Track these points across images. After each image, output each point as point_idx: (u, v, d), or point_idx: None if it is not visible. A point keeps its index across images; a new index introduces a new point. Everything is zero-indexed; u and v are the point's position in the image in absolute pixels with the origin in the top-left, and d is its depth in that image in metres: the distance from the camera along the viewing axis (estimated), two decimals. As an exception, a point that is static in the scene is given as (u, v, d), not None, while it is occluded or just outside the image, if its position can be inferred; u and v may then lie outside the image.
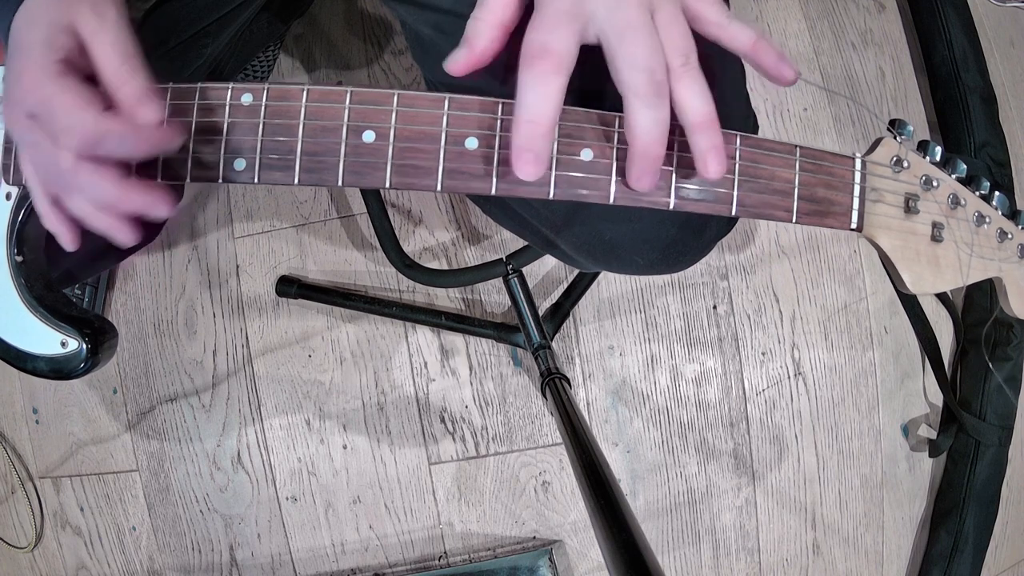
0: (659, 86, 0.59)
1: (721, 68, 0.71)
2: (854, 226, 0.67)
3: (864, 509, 1.67)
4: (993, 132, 1.59)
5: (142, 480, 1.79)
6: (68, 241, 0.72)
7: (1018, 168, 1.63)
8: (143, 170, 0.67)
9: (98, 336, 0.82)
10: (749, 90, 0.90)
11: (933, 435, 1.66)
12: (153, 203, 0.66)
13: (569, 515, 1.69)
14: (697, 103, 0.60)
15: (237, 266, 1.76)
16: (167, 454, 1.78)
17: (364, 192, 1.58)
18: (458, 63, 0.61)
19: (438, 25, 0.83)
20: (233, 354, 1.76)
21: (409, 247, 1.70)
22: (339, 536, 1.74)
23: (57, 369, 0.82)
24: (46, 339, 0.81)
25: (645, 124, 0.59)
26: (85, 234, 0.99)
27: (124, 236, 0.68)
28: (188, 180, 0.68)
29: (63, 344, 0.81)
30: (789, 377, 1.66)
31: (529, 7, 0.61)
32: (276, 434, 1.75)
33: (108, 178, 0.64)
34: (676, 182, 0.65)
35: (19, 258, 0.79)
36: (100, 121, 0.62)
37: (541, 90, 0.58)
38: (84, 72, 0.64)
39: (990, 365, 1.58)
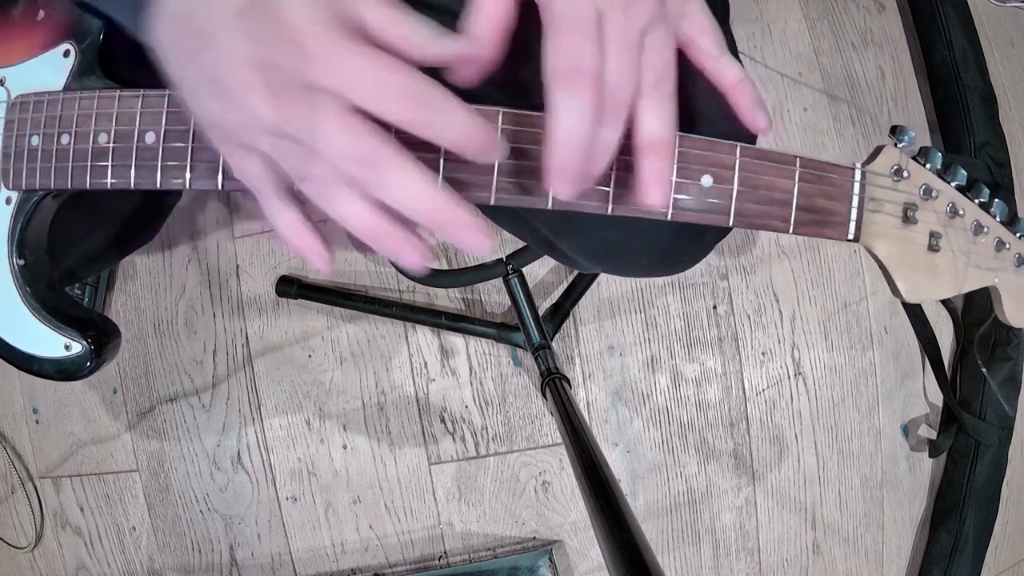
0: (585, 79, 0.55)
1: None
2: (851, 236, 0.67)
3: (864, 509, 1.67)
4: (993, 132, 1.59)
5: (142, 480, 1.79)
6: (326, 259, 0.62)
7: (1018, 168, 1.63)
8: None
9: (102, 337, 0.82)
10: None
11: (933, 435, 1.66)
12: (472, 227, 0.55)
13: (569, 515, 1.70)
14: (653, 124, 0.58)
15: (237, 266, 1.76)
16: (167, 454, 1.78)
17: (364, 192, 1.57)
18: (462, 71, 0.60)
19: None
20: (233, 354, 1.76)
21: (409, 247, 1.70)
22: (339, 536, 1.75)
23: (62, 371, 0.82)
24: (50, 341, 0.81)
25: (563, 125, 0.55)
26: (84, 233, 1.00)
27: (419, 257, 0.57)
28: (188, 187, 0.67)
29: (67, 346, 0.81)
30: (789, 377, 1.67)
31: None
32: (276, 434, 1.75)
33: (435, 180, 0.53)
34: (673, 193, 0.65)
35: (20, 262, 0.79)
36: (446, 93, 0.52)
37: (578, 113, 0.55)
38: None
39: (985, 372, 1.58)
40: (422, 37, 0.53)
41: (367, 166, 0.52)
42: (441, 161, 0.63)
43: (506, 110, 0.63)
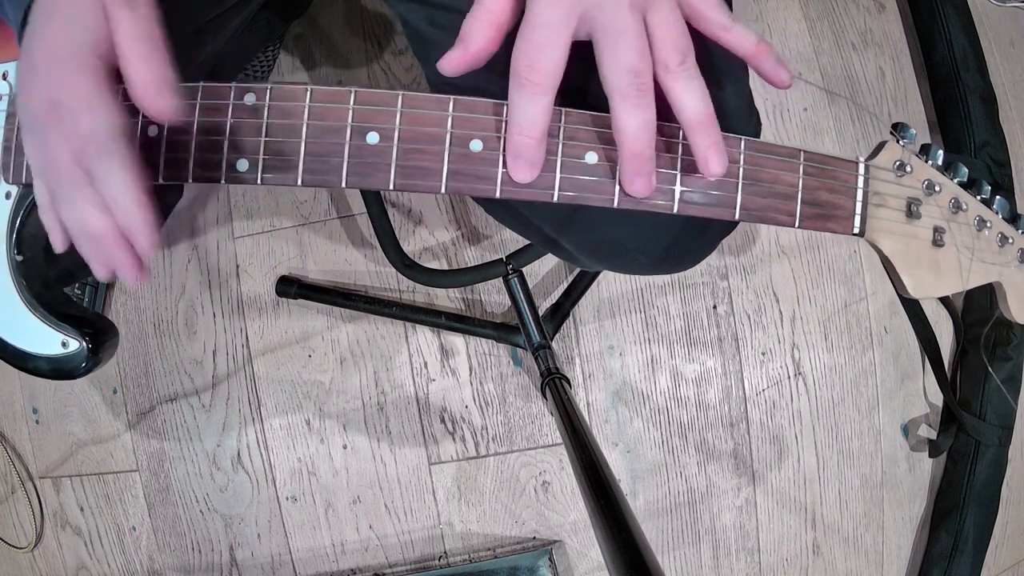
0: (644, 88, 0.59)
1: (724, 69, 0.71)
2: (856, 230, 0.67)
3: (864, 509, 1.67)
4: (993, 132, 1.59)
5: (142, 480, 1.79)
6: (58, 242, 0.69)
7: (1018, 168, 1.63)
8: (145, 169, 0.66)
9: (99, 336, 0.82)
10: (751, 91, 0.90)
11: (933, 435, 1.66)
12: (147, 224, 0.62)
13: (569, 515, 1.70)
14: (694, 102, 0.61)
15: (237, 266, 1.76)
16: (167, 454, 1.78)
17: (364, 192, 1.58)
18: (452, 62, 0.62)
19: (438, 22, 0.82)
20: (233, 354, 1.76)
21: (409, 247, 1.70)
22: (339, 536, 1.74)
23: (58, 369, 0.82)
24: (47, 339, 0.81)
25: (632, 126, 0.60)
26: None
27: (131, 267, 0.65)
28: (190, 181, 0.67)
29: (64, 344, 0.81)
30: (789, 377, 1.67)
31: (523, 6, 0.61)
32: (276, 434, 1.75)
33: (124, 172, 0.61)
34: (679, 186, 0.65)
35: (19, 257, 0.79)
36: (119, 120, 0.61)
37: (529, 107, 0.60)
38: (113, 64, 0.62)
39: (991, 371, 1.58)
40: (143, 77, 0.61)
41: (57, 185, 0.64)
42: (447, 155, 0.63)
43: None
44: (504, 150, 0.64)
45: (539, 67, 0.59)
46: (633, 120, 0.59)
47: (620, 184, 0.63)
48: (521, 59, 0.60)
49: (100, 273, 0.66)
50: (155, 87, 0.60)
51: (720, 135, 0.62)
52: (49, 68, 0.61)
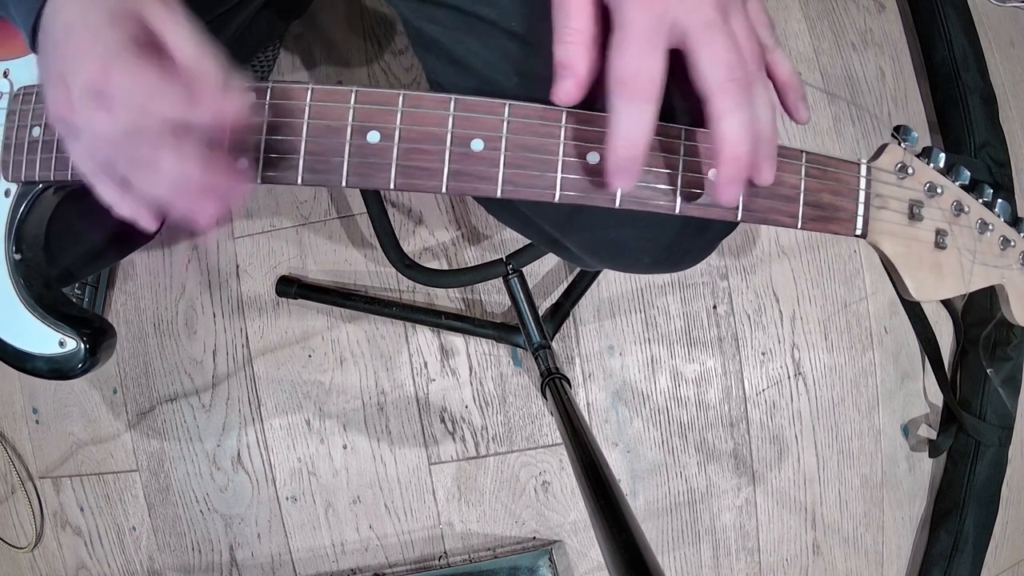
0: (745, 84, 0.59)
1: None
2: (859, 232, 0.67)
3: (864, 509, 1.67)
4: (993, 132, 1.59)
5: (142, 480, 1.79)
6: (150, 222, 0.67)
7: (1018, 168, 1.63)
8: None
9: (97, 336, 0.82)
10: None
11: (933, 435, 1.66)
12: (234, 183, 0.63)
13: (569, 515, 1.69)
14: (767, 112, 0.60)
15: (237, 266, 1.76)
16: (167, 454, 1.78)
17: (364, 192, 1.58)
18: (568, 94, 0.61)
19: (439, 21, 0.82)
20: (233, 354, 1.76)
21: (409, 247, 1.70)
22: (339, 536, 1.74)
23: (56, 369, 0.82)
24: (44, 338, 0.81)
25: (735, 126, 0.59)
26: (83, 232, 1.00)
27: (206, 216, 0.63)
28: None
29: (61, 344, 0.81)
30: (789, 377, 1.67)
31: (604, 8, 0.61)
32: (276, 434, 1.75)
33: (193, 153, 0.60)
34: (682, 187, 0.65)
35: (17, 256, 0.79)
36: (189, 94, 0.59)
37: (637, 118, 0.58)
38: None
39: (988, 371, 1.58)
40: (212, 73, 0.61)
41: (138, 153, 0.60)
42: (448, 154, 0.63)
43: (512, 103, 0.64)
44: (505, 148, 0.63)
45: (644, 74, 0.58)
46: (736, 120, 0.58)
47: (715, 192, 0.62)
48: (623, 68, 0.58)
49: (206, 217, 0.64)
50: (226, 84, 0.60)
51: (775, 152, 0.63)
52: (88, 58, 0.59)
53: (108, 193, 0.66)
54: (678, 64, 0.61)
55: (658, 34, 0.58)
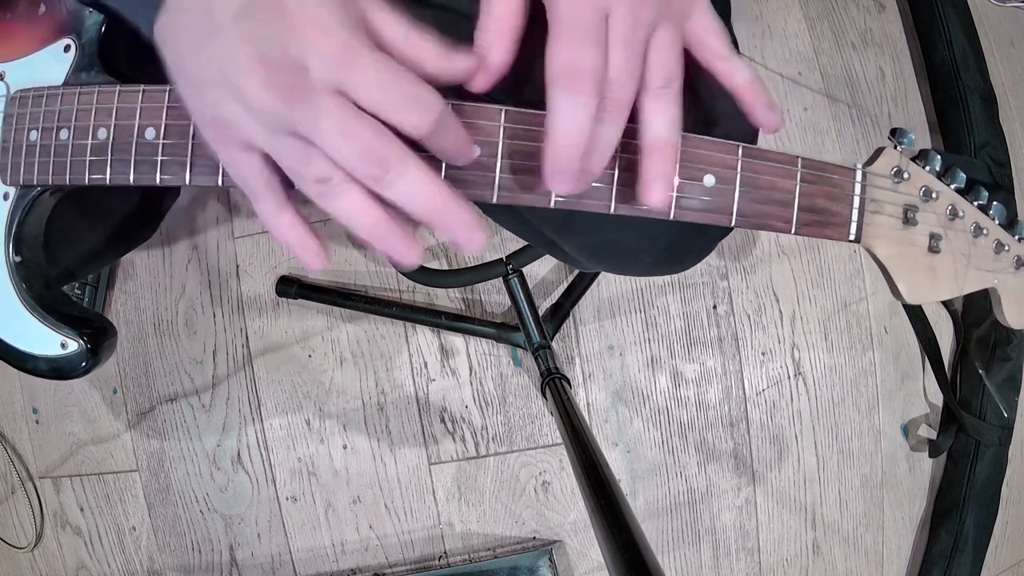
0: (590, 86, 0.56)
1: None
2: (852, 237, 0.67)
3: (864, 509, 1.67)
4: (993, 132, 1.59)
5: (142, 480, 1.79)
6: (322, 258, 0.62)
7: (1018, 168, 1.63)
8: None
9: (98, 336, 0.82)
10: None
11: (933, 435, 1.66)
12: (471, 225, 0.56)
13: (569, 515, 1.70)
14: (661, 127, 0.59)
15: (237, 266, 1.76)
16: (167, 454, 1.78)
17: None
18: (478, 82, 0.60)
19: (437, 23, 0.82)
20: (233, 354, 1.76)
21: (409, 247, 1.69)
22: (339, 536, 1.75)
23: (57, 369, 0.82)
24: (46, 340, 0.81)
25: (562, 123, 0.56)
26: (82, 232, 1.00)
27: (413, 255, 0.57)
28: (187, 183, 0.67)
29: (63, 344, 0.81)
30: (789, 377, 1.67)
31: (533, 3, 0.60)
32: (276, 434, 1.75)
33: (438, 179, 0.54)
34: (676, 193, 0.65)
35: (17, 258, 0.79)
36: (445, 105, 0.54)
37: (573, 113, 0.56)
38: None
39: (983, 375, 1.58)
40: (432, 54, 0.55)
41: (373, 163, 0.53)
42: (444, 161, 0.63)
43: (509, 108, 0.63)
44: (501, 155, 0.63)
45: (579, 68, 0.55)
46: (567, 118, 0.56)
47: (542, 177, 0.59)
48: (557, 61, 0.56)
49: (410, 259, 0.58)
50: (445, 57, 0.57)
51: (673, 171, 0.61)
52: (326, 34, 0.51)
53: (281, 218, 0.61)
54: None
55: (594, 26, 0.56)
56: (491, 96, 0.62)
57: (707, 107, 0.73)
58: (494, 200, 0.64)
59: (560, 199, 0.64)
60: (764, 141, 0.81)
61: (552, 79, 0.56)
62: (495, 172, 0.64)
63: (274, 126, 0.53)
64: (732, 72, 0.64)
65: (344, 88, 0.51)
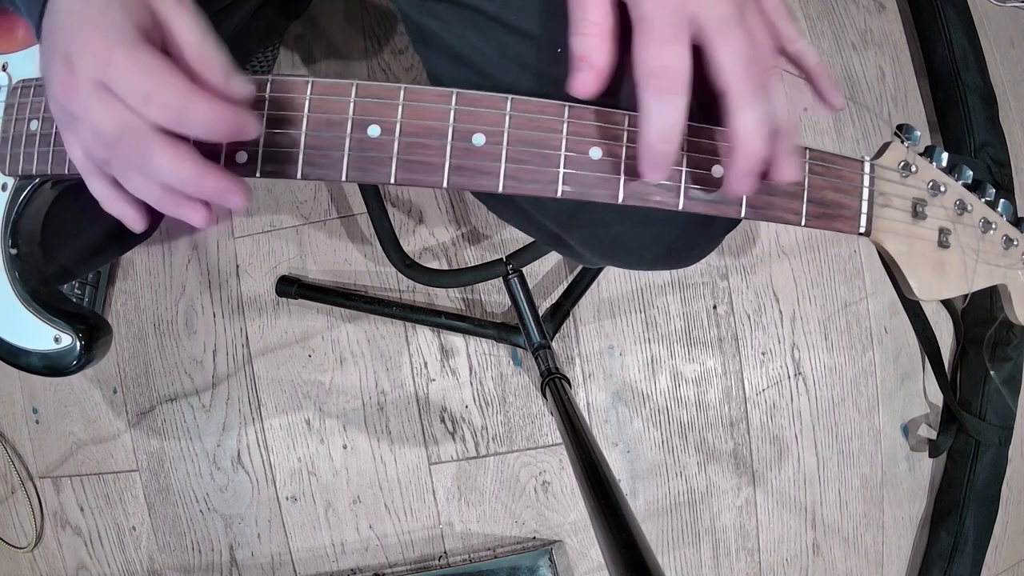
0: (761, 78, 0.59)
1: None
2: (862, 230, 0.67)
3: (864, 509, 1.67)
4: (993, 132, 1.59)
5: (142, 480, 1.79)
6: (139, 222, 0.68)
7: (1018, 168, 1.63)
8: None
9: (92, 332, 0.81)
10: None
11: (933, 435, 1.66)
12: (228, 190, 0.61)
13: (569, 515, 1.69)
14: (783, 107, 0.60)
15: (237, 266, 1.76)
16: (167, 454, 1.78)
17: (364, 191, 1.58)
18: (586, 85, 0.61)
19: (439, 15, 0.82)
20: (233, 354, 1.76)
21: (409, 247, 1.70)
22: (339, 536, 1.74)
23: (50, 365, 0.82)
24: (39, 334, 0.81)
25: (751, 120, 0.59)
26: (80, 229, 1.00)
27: (200, 217, 0.64)
28: None
29: (56, 339, 0.81)
30: (789, 377, 1.67)
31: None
32: (276, 434, 1.75)
33: (188, 156, 0.60)
34: (685, 183, 0.65)
35: (13, 251, 0.79)
36: (192, 91, 0.58)
37: (670, 111, 0.58)
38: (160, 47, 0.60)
39: (991, 371, 1.58)
40: (216, 69, 0.60)
41: (132, 152, 0.60)
42: (449, 149, 0.63)
43: (515, 97, 0.64)
44: (507, 143, 0.63)
45: (671, 66, 0.58)
46: (752, 117, 0.59)
47: (726, 188, 0.63)
48: (650, 61, 0.58)
49: (199, 221, 0.65)
50: (222, 74, 0.60)
51: (795, 146, 0.63)
52: (91, 48, 0.58)
53: (99, 189, 0.67)
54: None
55: (679, 26, 0.58)
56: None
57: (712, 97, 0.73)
58: (500, 190, 0.64)
59: (567, 189, 0.64)
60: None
61: (643, 79, 0.58)
62: (500, 162, 0.64)
63: (61, 120, 0.65)
64: (802, 54, 0.66)
65: (106, 84, 0.58)
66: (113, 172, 0.64)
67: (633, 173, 0.64)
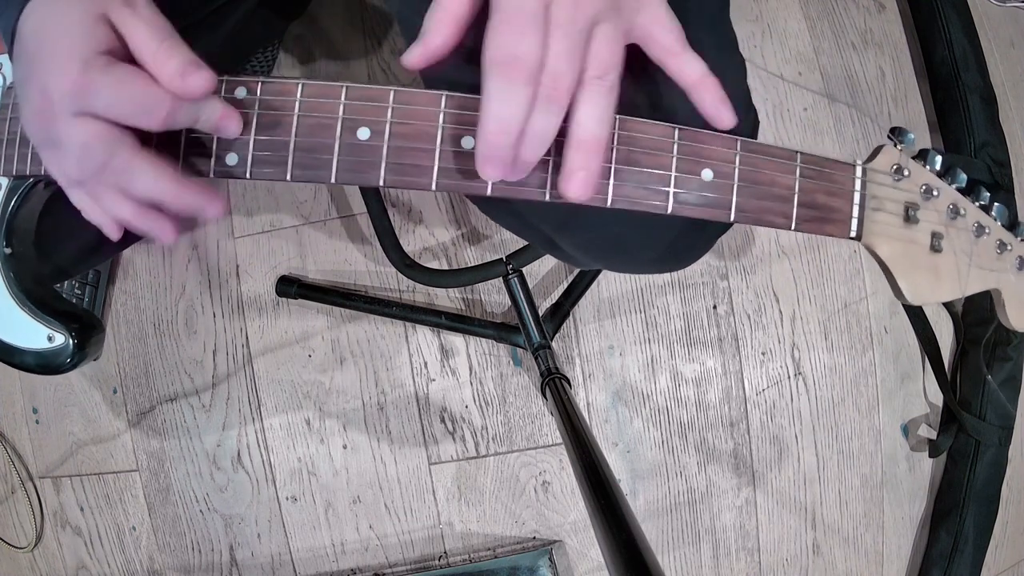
0: (524, 77, 0.57)
1: (722, 65, 0.70)
2: (853, 234, 0.67)
3: (864, 509, 1.67)
4: (993, 132, 1.58)
5: (142, 480, 1.79)
6: (115, 232, 0.69)
7: (1018, 168, 1.63)
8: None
9: (85, 330, 0.82)
10: (749, 89, 0.89)
11: (933, 435, 1.65)
12: (204, 203, 0.65)
13: (569, 515, 1.69)
14: (591, 121, 0.59)
15: (237, 266, 1.76)
16: (167, 454, 1.78)
17: (364, 191, 1.58)
18: (413, 57, 0.62)
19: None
20: (233, 354, 1.76)
21: (409, 247, 1.70)
22: (339, 536, 1.75)
23: (43, 364, 0.82)
24: (33, 333, 0.81)
25: (494, 114, 0.58)
26: (75, 229, 1.00)
27: (167, 234, 0.68)
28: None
29: (50, 338, 0.81)
30: (789, 377, 1.66)
31: None
32: (276, 434, 1.75)
33: (168, 171, 0.63)
34: (673, 187, 0.65)
35: (7, 250, 0.79)
36: (164, 95, 0.60)
37: (509, 100, 0.57)
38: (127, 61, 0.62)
39: (988, 375, 1.58)
40: (172, 68, 0.61)
41: (116, 169, 0.62)
42: (438, 152, 0.63)
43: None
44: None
45: (518, 56, 0.57)
46: (500, 109, 0.58)
47: (478, 166, 0.61)
48: (496, 48, 0.58)
49: (166, 237, 0.69)
50: (178, 72, 0.60)
51: (599, 167, 0.61)
52: (63, 78, 0.60)
53: (78, 199, 0.69)
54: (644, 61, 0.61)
55: (535, 18, 0.57)
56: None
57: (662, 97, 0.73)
58: (489, 192, 0.64)
59: (557, 192, 0.64)
60: (766, 136, 0.81)
61: (487, 65, 0.57)
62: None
63: (39, 142, 0.66)
64: (681, 67, 0.64)
65: (84, 110, 0.60)
66: (86, 192, 0.67)
67: (622, 177, 0.64)
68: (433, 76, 0.65)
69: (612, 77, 0.60)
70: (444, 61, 0.62)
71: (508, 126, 0.58)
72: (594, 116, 0.59)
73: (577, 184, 0.60)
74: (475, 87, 0.61)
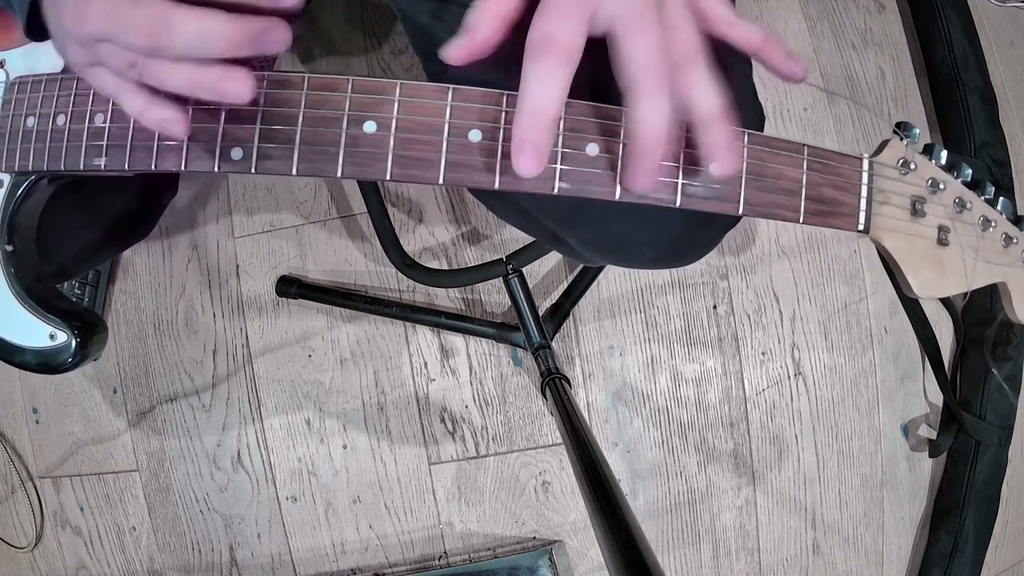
0: (662, 81, 0.57)
1: (731, 61, 0.71)
2: (861, 228, 0.67)
3: (864, 509, 1.67)
4: (993, 132, 1.59)
5: (142, 480, 1.79)
6: (181, 124, 0.64)
7: (1018, 168, 1.63)
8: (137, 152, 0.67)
9: (87, 329, 0.82)
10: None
11: (933, 435, 1.65)
12: (265, 31, 0.61)
13: (569, 515, 1.69)
14: (708, 98, 0.59)
15: (237, 266, 1.76)
16: (167, 454, 1.78)
17: (364, 191, 1.58)
18: (458, 51, 0.60)
19: (436, 13, 0.82)
20: (233, 354, 1.76)
21: (409, 247, 1.70)
22: (339, 536, 1.74)
23: (45, 362, 0.82)
24: (35, 331, 0.81)
25: (647, 120, 0.57)
26: (77, 228, 1.00)
27: (243, 88, 0.61)
28: (183, 168, 0.67)
29: (52, 336, 0.81)
30: (789, 377, 1.66)
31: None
32: (276, 434, 1.75)
33: (212, 12, 0.58)
34: (682, 180, 0.64)
35: (9, 248, 0.79)
36: None
37: (545, 82, 0.56)
38: None
39: (993, 368, 1.58)
40: None
41: (159, 31, 0.58)
42: (445, 145, 0.63)
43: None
44: (503, 140, 0.63)
45: (558, 39, 0.56)
46: (649, 114, 0.57)
47: (620, 180, 0.62)
48: (537, 32, 0.57)
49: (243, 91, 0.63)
50: None
51: (732, 135, 0.61)
52: None
53: (135, 103, 0.64)
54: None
55: (580, 7, 0.56)
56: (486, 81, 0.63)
57: None
58: (496, 186, 0.64)
59: (564, 186, 0.64)
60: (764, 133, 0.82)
61: (527, 49, 0.57)
62: (497, 159, 0.64)
63: (80, 61, 0.64)
64: (744, 35, 0.64)
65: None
66: (144, 74, 0.62)
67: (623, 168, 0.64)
68: (459, 76, 0.64)
69: (704, 54, 0.60)
70: (484, 60, 0.61)
71: (543, 109, 0.57)
72: (709, 91, 0.59)
73: (727, 159, 0.61)
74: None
